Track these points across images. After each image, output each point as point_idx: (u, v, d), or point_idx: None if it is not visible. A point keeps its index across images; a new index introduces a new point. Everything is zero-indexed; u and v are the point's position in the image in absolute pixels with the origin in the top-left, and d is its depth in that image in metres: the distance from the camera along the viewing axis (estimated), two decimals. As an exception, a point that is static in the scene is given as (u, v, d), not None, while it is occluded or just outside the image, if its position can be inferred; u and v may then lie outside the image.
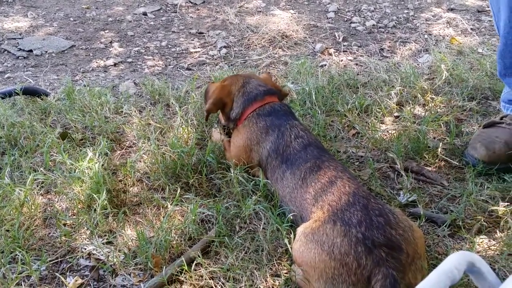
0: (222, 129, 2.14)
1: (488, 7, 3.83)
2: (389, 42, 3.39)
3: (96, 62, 3.13)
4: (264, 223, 1.66)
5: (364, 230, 1.33)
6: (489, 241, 1.64)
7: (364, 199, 1.44)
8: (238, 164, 1.87)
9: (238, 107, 1.96)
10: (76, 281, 1.49)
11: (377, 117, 2.34)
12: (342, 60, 3.11)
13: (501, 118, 2.08)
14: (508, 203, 1.75)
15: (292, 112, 1.96)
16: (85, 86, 2.61)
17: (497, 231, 1.66)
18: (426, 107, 2.41)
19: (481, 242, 1.63)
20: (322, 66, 3.00)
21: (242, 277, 1.48)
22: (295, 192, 1.61)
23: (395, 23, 3.71)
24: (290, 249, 1.51)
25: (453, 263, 0.71)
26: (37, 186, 1.84)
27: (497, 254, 1.57)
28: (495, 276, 0.73)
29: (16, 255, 1.52)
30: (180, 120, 2.20)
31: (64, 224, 1.70)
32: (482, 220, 1.69)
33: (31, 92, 2.54)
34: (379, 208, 1.41)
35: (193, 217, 1.64)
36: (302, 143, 1.73)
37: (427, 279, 0.68)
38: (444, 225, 1.67)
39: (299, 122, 1.86)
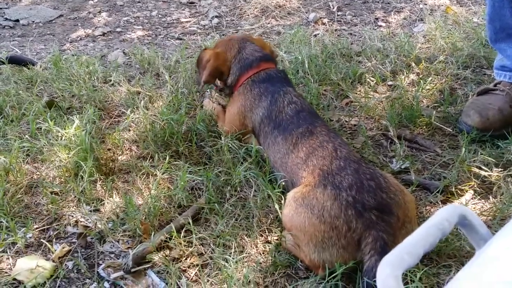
0: (215, 96, 2.11)
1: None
2: (384, 12, 3.33)
3: (85, 32, 3.06)
4: (255, 190, 1.64)
5: (354, 194, 1.31)
6: (482, 206, 1.62)
7: (355, 164, 1.41)
8: (229, 131, 1.84)
9: (233, 74, 1.92)
10: (64, 248, 1.47)
11: (370, 86, 2.30)
12: (336, 30, 3.05)
13: (495, 85, 2.05)
14: (502, 169, 1.73)
15: (288, 78, 1.92)
16: (73, 55, 2.55)
17: (490, 197, 1.65)
18: (421, 76, 2.37)
19: (474, 208, 1.61)
20: (315, 35, 2.94)
21: (232, 243, 1.46)
22: (286, 157, 1.58)
23: (390, -8, 3.64)
24: (280, 214, 1.48)
25: (444, 215, 0.68)
26: (23, 153, 1.80)
27: (490, 219, 1.56)
28: (487, 229, 0.71)
29: (1, 222, 1.49)
30: (170, 88, 2.15)
31: (51, 192, 1.66)
32: (475, 186, 1.67)
33: (17, 61, 2.48)
34: (370, 172, 1.38)
35: (182, 183, 1.61)
36: (295, 109, 1.70)
37: (417, 231, 0.66)
38: (437, 191, 1.65)
39: (293, 89, 1.83)
